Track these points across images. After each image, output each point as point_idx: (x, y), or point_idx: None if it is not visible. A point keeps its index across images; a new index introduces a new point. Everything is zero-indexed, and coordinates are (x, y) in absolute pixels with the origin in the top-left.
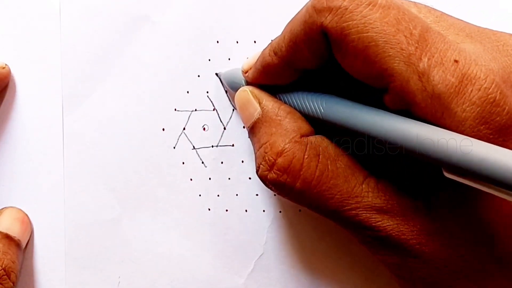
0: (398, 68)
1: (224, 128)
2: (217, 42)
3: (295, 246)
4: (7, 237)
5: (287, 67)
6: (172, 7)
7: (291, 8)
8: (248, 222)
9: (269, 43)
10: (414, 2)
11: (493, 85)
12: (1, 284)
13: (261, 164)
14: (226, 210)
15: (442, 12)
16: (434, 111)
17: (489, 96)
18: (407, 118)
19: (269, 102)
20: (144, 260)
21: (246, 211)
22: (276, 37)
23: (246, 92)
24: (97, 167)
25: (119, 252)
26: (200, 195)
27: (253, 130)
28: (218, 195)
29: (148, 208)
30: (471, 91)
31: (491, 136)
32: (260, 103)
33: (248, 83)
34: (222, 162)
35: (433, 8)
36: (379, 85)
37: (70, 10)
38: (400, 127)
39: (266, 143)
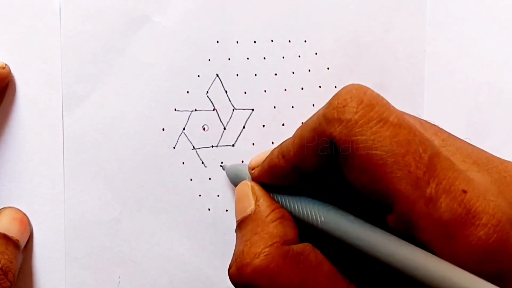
0: (405, 190)
1: (224, 128)
2: (217, 42)
3: None
4: (5, 237)
5: (293, 170)
6: (172, 7)
7: (291, 8)
8: None
9: (278, 145)
10: (421, 121)
11: (501, 224)
12: None
13: (235, 261)
14: (226, 210)
15: (449, 134)
16: (438, 239)
17: (496, 235)
18: (409, 244)
19: (265, 202)
20: (144, 260)
21: None
22: (286, 139)
23: (247, 186)
24: (97, 167)
25: (119, 252)
26: (200, 195)
27: (241, 225)
28: (218, 195)
29: (148, 208)
30: (478, 225)
31: (492, 275)
32: (256, 201)
33: (253, 179)
34: (222, 162)
35: (440, 130)
36: (383, 203)
37: (70, 10)
38: (401, 253)
39: (247, 241)
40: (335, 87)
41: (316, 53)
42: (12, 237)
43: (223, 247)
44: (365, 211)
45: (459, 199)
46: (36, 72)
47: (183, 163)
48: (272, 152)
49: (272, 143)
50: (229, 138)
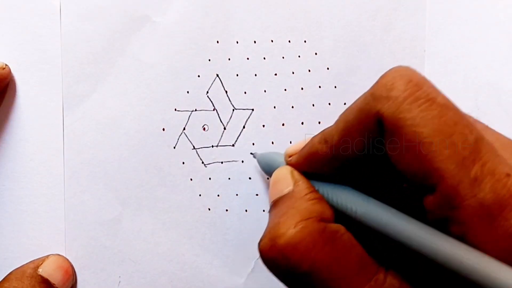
0: (451, 169)
1: (224, 128)
2: (217, 42)
3: None
4: (47, 282)
5: (336, 155)
6: (172, 7)
7: (291, 8)
8: (248, 222)
9: (319, 132)
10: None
11: None
12: None
13: (268, 233)
14: (226, 210)
15: (486, 125)
16: (479, 220)
17: None
18: (448, 237)
19: (303, 183)
20: (144, 260)
21: (246, 211)
22: (328, 127)
23: (287, 169)
24: (97, 167)
25: (119, 252)
26: (200, 195)
27: (276, 203)
28: (218, 195)
29: (148, 208)
30: None
31: None
32: (295, 182)
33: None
34: (222, 162)
35: (477, 120)
36: (426, 184)
37: (70, 10)
38: (445, 247)
39: (283, 214)
40: (335, 87)
41: (316, 53)
42: (54, 284)
43: (223, 247)
44: (402, 201)
45: (503, 182)
46: (36, 72)
47: (183, 163)
48: (312, 139)
49: (272, 143)
50: (229, 138)
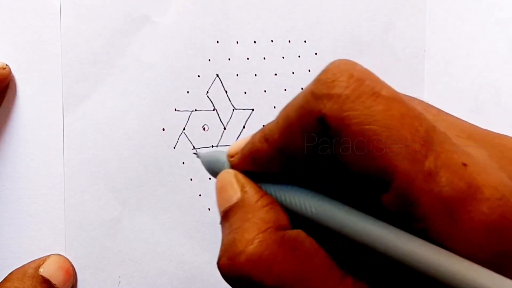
0: (402, 166)
1: (224, 128)
2: (217, 42)
3: None
4: (48, 283)
5: (278, 155)
6: (172, 7)
7: (291, 8)
8: None
9: (260, 129)
10: (410, 97)
11: (504, 198)
12: None
13: (225, 251)
14: None
15: (439, 110)
16: (438, 215)
17: (500, 209)
18: (408, 234)
19: (251, 188)
20: (144, 260)
21: None
22: (269, 122)
23: (230, 174)
24: (97, 167)
25: (119, 252)
26: (200, 195)
27: (227, 214)
28: None
29: (148, 208)
30: (481, 199)
31: (497, 254)
32: (242, 188)
33: (232, 167)
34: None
35: (430, 105)
36: (379, 182)
37: (70, 10)
38: (404, 244)
39: (238, 228)
40: None
41: (316, 53)
42: (55, 284)
43: None
44: (354, 198)
45: (460, 173)
46: (36, 72)
47: (183, 163)
48: (253, 136)
49: None
50: (229, 138)
